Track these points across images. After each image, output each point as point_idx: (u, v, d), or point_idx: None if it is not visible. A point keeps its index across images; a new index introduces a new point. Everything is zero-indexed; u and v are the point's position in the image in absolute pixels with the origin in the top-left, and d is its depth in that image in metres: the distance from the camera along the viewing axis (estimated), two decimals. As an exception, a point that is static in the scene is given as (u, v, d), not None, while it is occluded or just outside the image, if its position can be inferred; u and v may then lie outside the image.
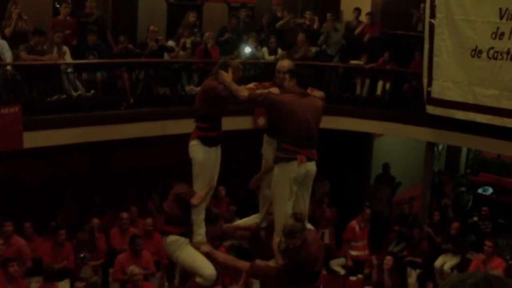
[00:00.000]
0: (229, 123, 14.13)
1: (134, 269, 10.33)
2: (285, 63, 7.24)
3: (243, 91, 6.69)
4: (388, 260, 12.16)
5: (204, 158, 6.83)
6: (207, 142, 6.83)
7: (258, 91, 6.78)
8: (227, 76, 6.64)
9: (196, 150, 6.84)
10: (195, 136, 6.88)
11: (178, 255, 6.87)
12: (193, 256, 6.83)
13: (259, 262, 7.08)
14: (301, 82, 6.72)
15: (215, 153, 6.94)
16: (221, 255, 7.09)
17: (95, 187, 14.57)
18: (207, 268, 6.75)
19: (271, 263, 6.89)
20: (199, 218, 6.90)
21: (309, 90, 6.91)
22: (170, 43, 14.06)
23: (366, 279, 13.37)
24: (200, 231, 6.96)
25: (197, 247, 7.04)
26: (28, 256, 11.25)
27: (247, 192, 15.02)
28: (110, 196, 14.01)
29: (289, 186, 6.64)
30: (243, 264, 7.14)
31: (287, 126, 6.48)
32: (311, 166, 6.64)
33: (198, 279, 6.80)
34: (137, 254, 11.30)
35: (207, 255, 6.95)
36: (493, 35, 12.23)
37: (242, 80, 14.19)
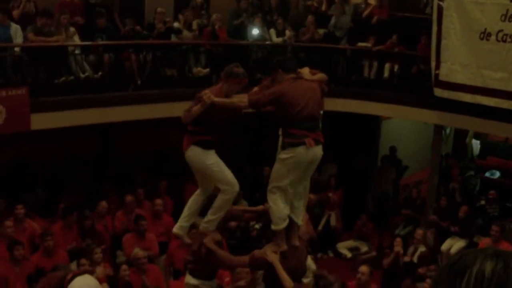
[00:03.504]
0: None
1: (138, 252, 10.35)
2: None
3: (242, 100, 6.61)
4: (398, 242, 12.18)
5: (213, 159, 6.79)
6: (205, 145, 6.77)
7: (254, 92, 6.73)
8: (213, 97, 6.53)
9: (199, 155, 6.78)
10: (189, 142, 6.81)
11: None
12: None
13: (257, 252, 7.08)
14: (286, 69, 6.71)
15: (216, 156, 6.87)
16: (221, 252, 7.07)
17: (102, 169, 14.61)
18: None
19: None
20: (221, 207, 6.95)
21: (311, 73, 6.93)
22: (177, 25, 14.04)
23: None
24: (215, 219, 7.02)
25: (203, 233, 7.08)
26: (38, 241, 11.32)
27: (253, 174, 15.09)
28: (117, 179, 14.04)
29: (295, 172, 6.61)
30: (243, 259, 7.12)
31: (292, 112, 6.42)
32: (318, 150, 6.59)
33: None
34: (142, 235, 11.34)
35: (209, 249, 6.97)
36: (503, 17, 12.14)
37: (250, 63, 14.27)
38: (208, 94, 6.51)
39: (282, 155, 6.56)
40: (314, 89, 6.69)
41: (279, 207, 6.70)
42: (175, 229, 7.43)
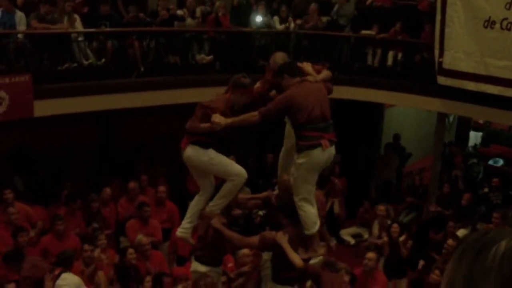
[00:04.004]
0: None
1: (141, 239, 10.37)
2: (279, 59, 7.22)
3: (253, 115, 6.56)
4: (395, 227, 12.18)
5: (212, 154, 6.80)
6: (204, 145, 6.78)
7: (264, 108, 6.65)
8: (223, 120, 6.47)
9: (198, 154, 6.79)
10: (187, 142, 6.83)
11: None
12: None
13: (267, 233, 7.12)
14: (292, 73, 6.72)
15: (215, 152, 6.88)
16: (229, 232, 7.11)
17: (105, 156, 14.63)
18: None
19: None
20: (229, 193, 6.98)
21: (315, 70, 6.96)
22: (180, 12, 14.02)
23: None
24: (222, 203, 7.06)
25: (208, 217, 7.12)
26: (35, 219, 11.40)
27: (256, 162, 15.10)
28: (120, 166, 14.07)
29: (315, 174, 6.73)
30: (252, 239, 7.16)
31: (303, 114, 6.44)
32: (332, 150, 6.65)
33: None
34: (145, 221, 11.37)
35: (216, 230, 7.03)
36: (507, 5, 12.09)
37: (253, 50, 14.25)
38: (219, 119, 6.44)
39: (299, 159, 6.58)
40: (321, 90, 6.71)
41: (310, 213, 6.82)
42: (179, 233, 7.48)
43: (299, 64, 7.01)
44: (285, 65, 6.96)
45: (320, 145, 6.43)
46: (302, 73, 6.80)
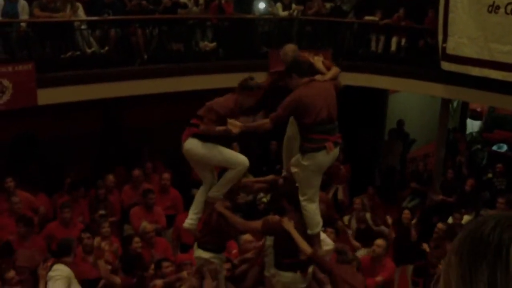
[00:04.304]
0: (241, 78, 14.20)
1: (146, 226, 10.39)
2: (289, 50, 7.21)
3: (265, 122, 6.62)
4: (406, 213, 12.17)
5: (211, 146, 6.79)
6: (203, 138, 6.79)
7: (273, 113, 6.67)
8: (238, 125, 6.59)
9: (198, 146, 6.80)
10: (188, 134, 6.86)
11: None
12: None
13: (271, 217, 7.15)
14: (301, 73, 6.70)
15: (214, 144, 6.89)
16: (233, 216, 7.14)
17: (108, 144, 14.64)
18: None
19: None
20: (231, 180, 6.97)
21: (324, 65, 6.98)
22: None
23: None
24: (223, 189, 7.06)
25: (211, 202, 7.15)
26: (37, 205, 11.46)
27: (260, 149, 15.11)
28: (123, 153, 14.08)
29: (319, 175, 6.83)
30: (256, 224, 7.20)
31: (311, 116, 6.46)
32: (336, 151, 6.71)
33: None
34: (150, 208, 11.40)
35: (220, 214, 7.06)
36: (512, -11, 12.04)
37: (256, 37, 14.21)
38: (234, 124, 6.56)
39: (304, 161, 6.63)
40: (329, 90, 6.71)
41: (314, 213, 6.94)
42: (186, 224, 7.53)
43: (310, 58, 7.02)
44: (294, 64, 6.92)
45: (325, 148, 6.47)
46: (312, 71, 6.79)
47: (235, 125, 6.55)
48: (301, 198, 6.89)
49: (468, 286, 1.22)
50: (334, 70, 7.05)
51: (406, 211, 11.92)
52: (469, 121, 19.34)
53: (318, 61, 7.01)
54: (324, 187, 14.93)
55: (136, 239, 10.08)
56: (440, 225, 10.57)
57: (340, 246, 8.39)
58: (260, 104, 7.13)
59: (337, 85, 6.97)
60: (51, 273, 7.96)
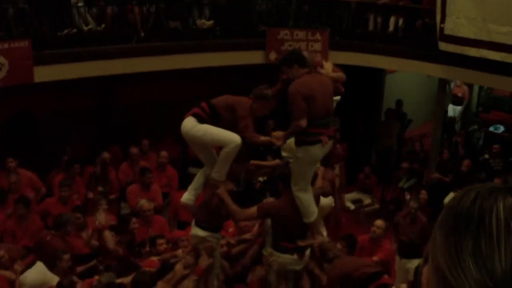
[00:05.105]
0: (240, 58, 14.18)
1: (144, 204, 10.41)
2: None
3: (297, 126, 6.54)
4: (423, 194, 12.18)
5: (201, 126, 6.83)
6: (200, 119, 6.82)
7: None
8: (281, 136, 6.83)
9: (190, 126, 6.83)
10: (188, 114, 6.91)
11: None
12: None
13: (265, 202, 7.27)
14: (301, 63, 6.72)
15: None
16: (232, 205, 7.17)
17: (104, 122, 14.63)
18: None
19: None
20: (226, 159, 6.97)
21: (333, 70, 7.08)
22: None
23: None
24: (222, 169, 7.06)
25: (215, 185, 7.16)
26: (40, 184, 11.49)
27: (256, 128, 15.09)
28: (120, 131, 14.08)
29: (312, 168, 6.95)
30: (252, 211, 7.26)
31: (313, 110, 6.50)
32: (330, 144, 6.79)
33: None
34: (147, 187, 11.42)
35: (221, 200, 7.09)
36: (511, -31, 11.99)
37: (254, 15, 14.14)
38: (278, 136, 6.84)
39: (299, 153, 6.72)
40: (327, 84, 6.76)
41: (308, 203, 7.04)
42: (184, 199, 7.62)
43: (322, 62, 7.15)
44: (295, 55, 6.99)
45: (320, 141, 6.50)
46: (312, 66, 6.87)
47: (278, 138, 6.78)
48: (293, 188, 6.98)
49: (454, 259, 1.23)
50: (340, 74, 7.17)
51: (423, 191, 12.05)
52: (450, 106, 19.21)
53: (329, 66, 7.11)
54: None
55: (134, 220, 10.10)
56: (412, 203, 10.49)
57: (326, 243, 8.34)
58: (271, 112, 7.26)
59: (339, 88, 7.10)
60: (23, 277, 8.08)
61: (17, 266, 8.23)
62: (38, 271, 8.33)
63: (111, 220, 10.24)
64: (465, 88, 19.28)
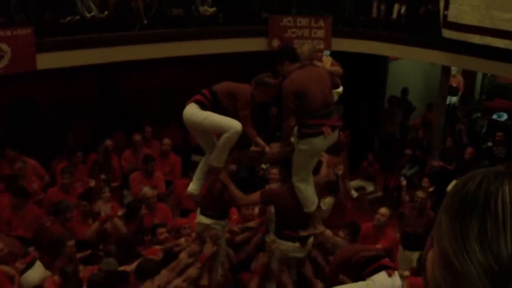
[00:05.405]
0: (243, 45, 14.15)
1: (147, 192, 10.41)
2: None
3: (289, 124, 6.69)
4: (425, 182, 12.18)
5: (201, 112, 6.83)
6: (202, 106, 6.84)
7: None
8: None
9: (191, 113, 6.85)
10: (191, 101, 6.93)
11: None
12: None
13: (268, 188, 7.29)
14: (293, 59, 6.74)
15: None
16: (235, 190, 7.19)
17: (107, 109, 14.63)
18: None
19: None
20: (225, 145, 6.97)
21: (332, 65, 7.08)
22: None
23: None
24: (220, 155, 7.05)
25: (217, 171, 7.19)
26: (44, 173, 11.51)
27: (259, 115, 15.08)
28: (122, 119, 14.07)
29: (314, 159, 6.97)
30: (254, 197, 7.28)
31: (309, 102, 6.51)
32: (335, 134, 6.77)
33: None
34: (150, 175, 11.43)
35: (224, 185, 7.12)
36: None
37: (256, 2, 14.08)
38: (274, 149, 7.16)
39: (300, 145, 6.71)
40: (322, 75, 6.77)
41: (308, 193, 7.04)
42: (190, 189, 7.63)
43: (322, 57, 7.17)
44: (285, 51, 7.02)
45: (322, 133, 6.48)
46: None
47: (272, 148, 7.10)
48: (294, 178, 7.01)
49: (460, 243, 1.22)
50: (337, 68, 7.19)
51: (425, 179, 12.02)
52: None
53: (327, 60, 7.11)
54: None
55: (143, 206, 10.09)
56: (420, 194, 10.53)
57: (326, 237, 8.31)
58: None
59: (336, 82, 7.14)
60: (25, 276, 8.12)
61: (18, 264, 8.26)
62: (38, 271, 8.38)
63: (116, 208, 10.25)
64: (460, 78, 19.27)
